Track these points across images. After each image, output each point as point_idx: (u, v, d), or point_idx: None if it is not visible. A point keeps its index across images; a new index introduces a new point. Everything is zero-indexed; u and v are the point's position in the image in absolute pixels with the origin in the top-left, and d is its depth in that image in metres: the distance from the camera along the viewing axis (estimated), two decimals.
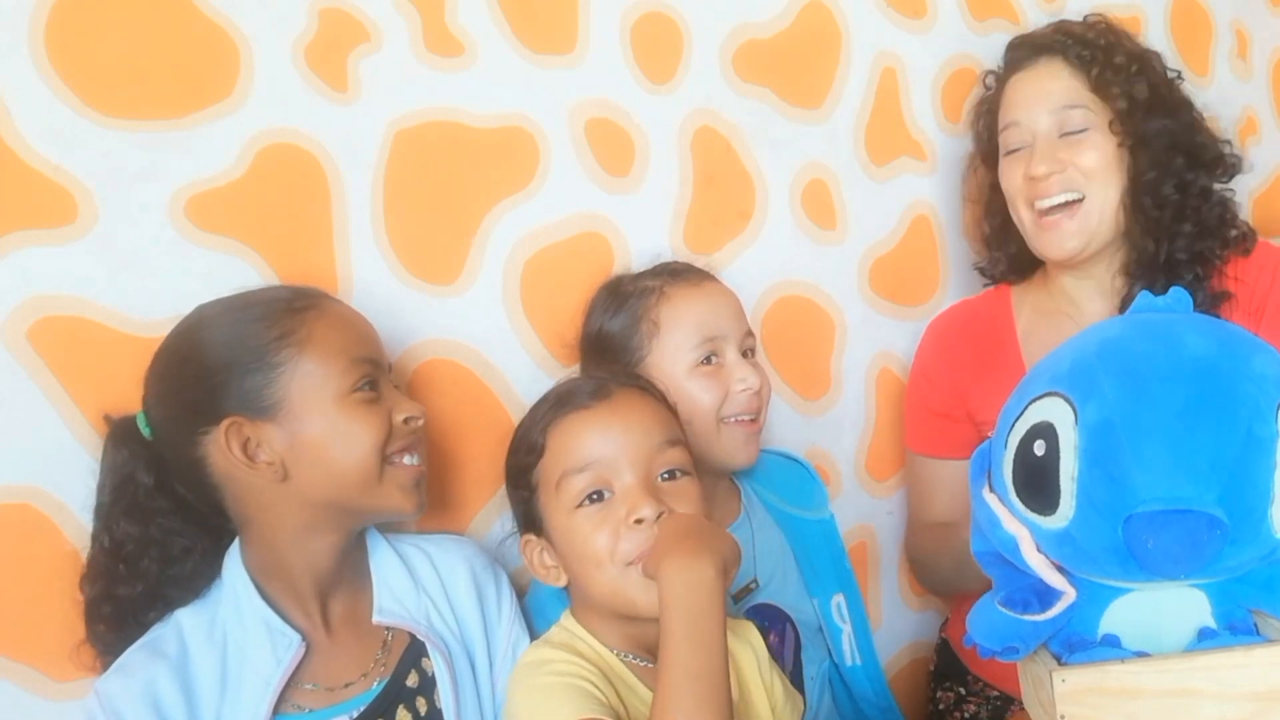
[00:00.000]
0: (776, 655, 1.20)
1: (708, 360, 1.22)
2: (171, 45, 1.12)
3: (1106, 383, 0.77)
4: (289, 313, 1.03)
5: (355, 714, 1.03)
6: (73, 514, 1.08)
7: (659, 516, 0.94)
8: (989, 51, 1.50)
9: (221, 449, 0.99)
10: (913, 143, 1.64)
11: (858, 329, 1.60)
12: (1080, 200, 1.32)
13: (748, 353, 1.26)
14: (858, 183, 1.59)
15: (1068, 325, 1.38)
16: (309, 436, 1.00)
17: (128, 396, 1.10)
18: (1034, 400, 0.81)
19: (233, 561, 1.05)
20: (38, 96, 1.06)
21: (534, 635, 1.14)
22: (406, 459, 1.06)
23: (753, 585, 1.23)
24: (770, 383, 1.28)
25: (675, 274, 1.28)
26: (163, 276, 1.12)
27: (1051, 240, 1.35)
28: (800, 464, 1.41)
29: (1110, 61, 1.34)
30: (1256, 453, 0.74)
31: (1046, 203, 1.34)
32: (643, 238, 1.40)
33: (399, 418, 1.05)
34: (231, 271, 1.15)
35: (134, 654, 1.00)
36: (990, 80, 1.49)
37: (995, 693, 1.42)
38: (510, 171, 1.32)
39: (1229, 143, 1.42)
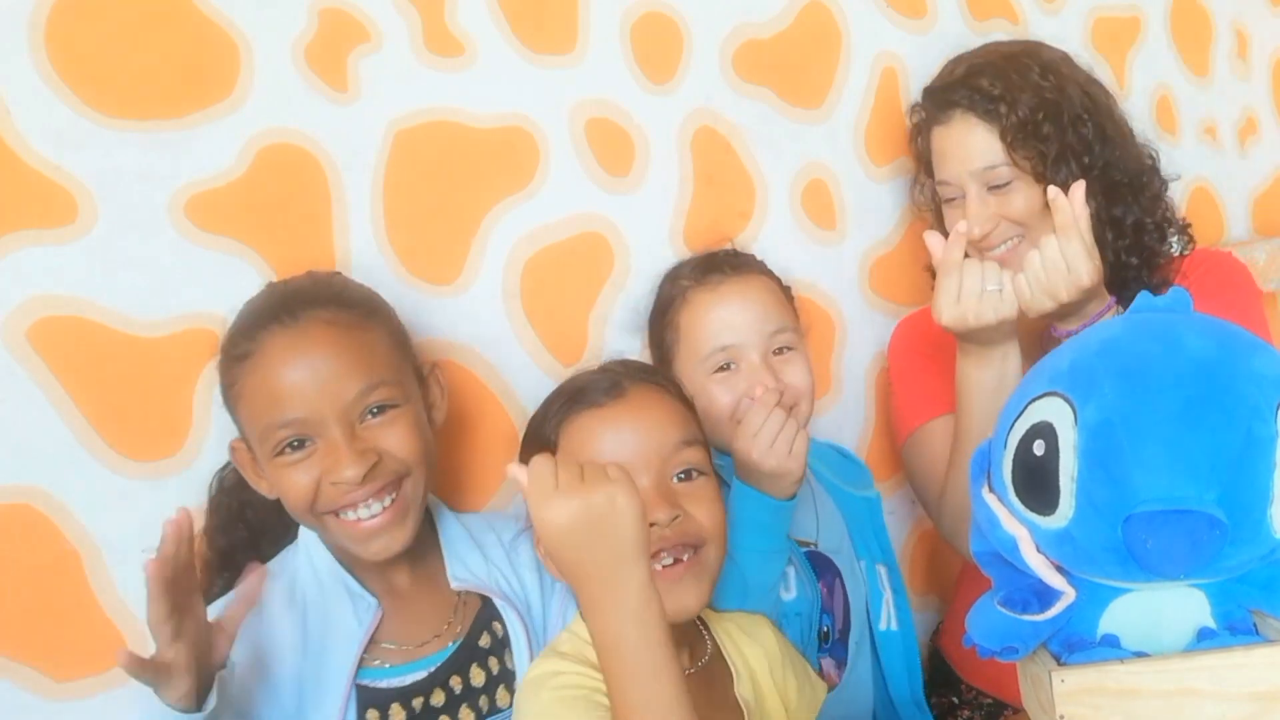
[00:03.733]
0: (826, 606, 1.22)
1: (725, 367, 1.22)
2: (171, 45, 1.13)
3: (1106, 382, 0.77)
4: (231, 360, 1.03)
5: (432, 669, 1.06)
6: (73, 514, 1.08)
7: (674, 520, 0.93)
8: None
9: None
10: None
11: (857, 329, 1.60)
12: (1020, 241, 1.34)
13: (782, 350, 1.24)
14: (858, 183, 1.59)
15: (1035, 332, 1.37)
16: (268, 477, 1.04)
17: (128, 396, 1.10)
18: (1033, 400, 0.81)
19: (308, 531, 1.08)
20: (38, 96, 1.06)
21: None
22: (350, 514, 1.01)
23: (813, 545, 1.26)
24: (805, 378, 1.25)
25: (703, 273, 1.27)
26: (163, 276, 1.12)
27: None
28: (842, 451, 1.45)
29: (1015, 116, 1.33)
30: (1256, 453, 0.74)
31: (993, 253, 1.35)
32: (643, 238, 1.40)
33: (328, 479, 1.00)
34: (231, 271, 1.15)
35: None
36: (918, 117, 1.47)
37: (989, 700, 1.42)
38: (510, 171, 1.32)
39: (1152, 156, 1.42)
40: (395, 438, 1.02)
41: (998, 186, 1.34)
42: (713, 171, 1.47)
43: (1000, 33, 1.62)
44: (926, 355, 1.43)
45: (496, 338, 1.31)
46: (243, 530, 1.12)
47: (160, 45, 1.12)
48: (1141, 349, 0.78)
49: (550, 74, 1.35)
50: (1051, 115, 1.33)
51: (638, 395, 0.99)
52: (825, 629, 1.23)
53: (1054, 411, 0.78)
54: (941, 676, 1.50)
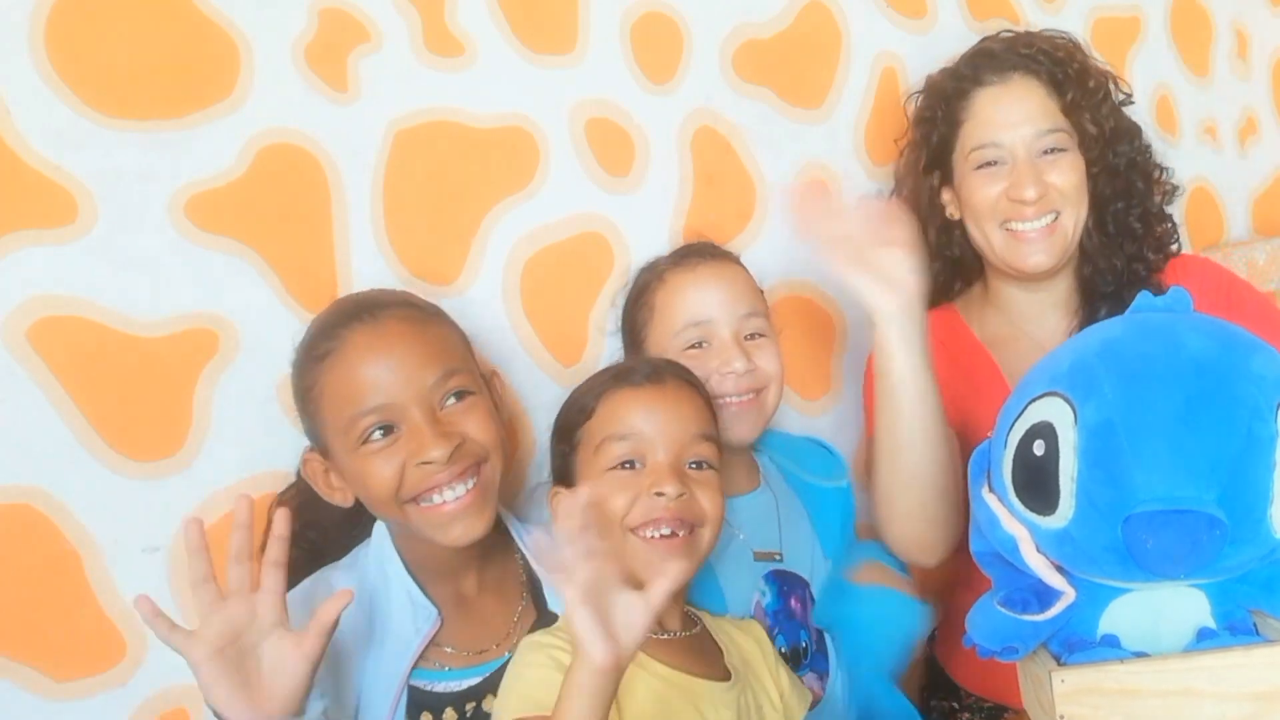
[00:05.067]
0: (800, 620, 1.23)
1: (698, 345, 1.23)
2: (171, 45, 1.13)
3: (1106, 382, 0.77)
4: (311, 361, 1.06)
5: (486, 675, 1.08)
6: (73, 514, 1.08)
7: (679, 495, 1.01)
8: None
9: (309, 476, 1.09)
10: None
11: (858, 329, 1.60)
12: (1055, 220, 1.32)
13: (754, 336, 1.25)
14: (858, 183, 1.59)
15: (1026, 344, 1.36)
16: (347, 478, 1.06)
17: (128, 396, 1.10)
18: (1033, 400, 0.81)
19: (380, 533, 1.11)
20: (38, 96, 1.06)
21: None
22: (436, 498, 1.04)
23: (777, 556, 1.25)
24: (775, 364, 1.26)
25: (680, 257, 1.30)
26: (163, 276, 1.12)
27: (1025, 253, 1.33)
28: (818, 443, 1.44)
29: (1084, 86, 1.35)
30: (1256, 453, 0.74)
31: (1023, 225, 1.32)
32: (643, 238, 1.40)
33: (414, 462, 1.02)
34: (231, 271, 1.15)
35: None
36: (947, 86, 1.42)
37: (989, 704, 1.41)
38: (510, 171, 1.32)
39: (1170, 169, 1.46)
40: (474, 422, 1.06)
41: (1050, 152, 1.33)
42: (713, 171, 1.47)
43: (1001, 33, 1.62)
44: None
45: (496, 338, 1.31)
46: (303, 548, 1.11)
47: (160, 45, 1.12)
48: (1142, 349, 0.78)
49: (550, 74, 1.35)
50: (1107, 95, 1.37)
51: (673, 385, 1.08)
52: (804, 645, 1.22)
53: (1054, 412, 0.79)
54: (940, 682, 1.50)
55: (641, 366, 1.11)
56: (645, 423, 1.04)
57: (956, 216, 1.42)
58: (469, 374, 1.09)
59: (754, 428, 1.25)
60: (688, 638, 1.05)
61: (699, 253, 1.30)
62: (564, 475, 1.09)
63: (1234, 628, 0.81)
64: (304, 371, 1.07)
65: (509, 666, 0.99)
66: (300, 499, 1.12)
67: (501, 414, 1.16)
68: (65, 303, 1.08)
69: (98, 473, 1.09)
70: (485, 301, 1.31)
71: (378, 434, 1.03)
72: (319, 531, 1.13)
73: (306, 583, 1.07)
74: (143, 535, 1.11)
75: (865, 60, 1.60)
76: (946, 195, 1.43)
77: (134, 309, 1.10)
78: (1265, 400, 0.75)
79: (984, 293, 1.46)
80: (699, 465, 1.05)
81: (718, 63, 1.48)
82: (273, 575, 0.93)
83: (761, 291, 1.31)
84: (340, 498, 1.08)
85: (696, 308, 1.24)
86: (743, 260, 1.48)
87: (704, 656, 1.04)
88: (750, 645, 1.10)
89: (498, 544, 1.15)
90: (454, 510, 1.04)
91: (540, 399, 1.31)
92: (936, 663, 1.51)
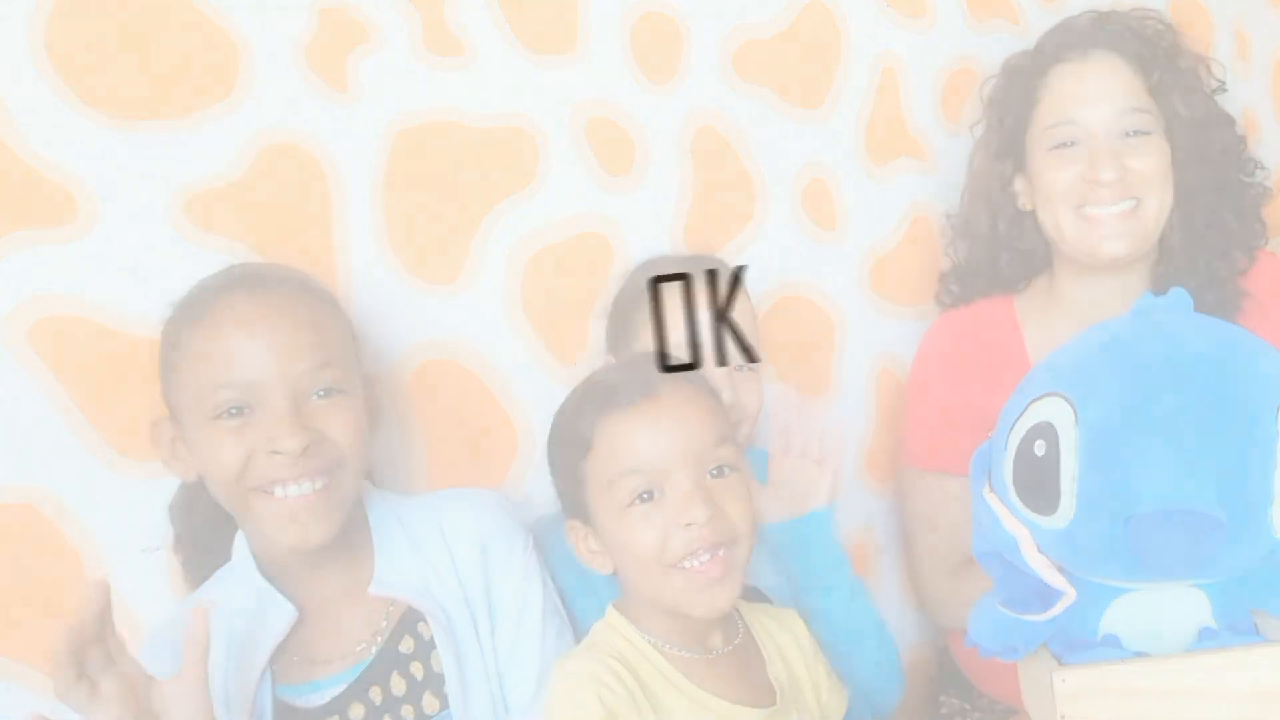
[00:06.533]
0: None
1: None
2: (171, 45, 1.13)
3: (1107, 383, 0.77)
4: (183, 319, 1.01)
5: (352, 681, 1.02)
6: (74, 515, 1.08)
7: (710, 519, 0.94)
8: (989, 51, 1.50)
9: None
10: (913, 143, 1.64)
11: (858, 329, 1.60)
12: (1136, 206, 1.26)
13: (743, 368, 1.21)
14: (858, 183, 1.59)
15: None
16: (193, 452, 1.00)
17: (128, 397, 1.10)
18: (1034, 400, 0.81)
19: (241, 535, 1.05)
20: (38, 96, 1.06)
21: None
22: (279, 491, 0.97)
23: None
24: (758, 401, 1.22)
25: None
26: (163, 276, 1.12)
27: (1100, 239, 1.26)
28: None
29: (1174, 66, 1.28)
30: (1257, 453, 0.74)
31: (1100, 210, 1.26)
32: (643, 238, 1.40)
33: (265, 449, 0.95)
34: None
35: (161, 632, 1.02)
36: (1024, 64, 1.37)
37: (1001, 706, 1.40)
38: (510, 171, 1.32)
39: (1267, 169, 1.39)
40: (338, 424, 0.99)
41: (1132, 135, 1.25)
42: (713, 171, 1.47)
43: (1001, 33, 1.62)
44: (952, 387, 1.35)
45: (496, 338, 1.31)
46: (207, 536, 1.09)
47: (160, 45, 1.12)
48: (1143, 349, 0.78)
49: (550, 74, 1.35)
50: (1199, 78, 1.29)
51: (672, 393, 0.99)
52: None
53: (1055, 412, 0.79)
54: (950, 677, 1.49)
55: (630, 380, 1.00)
56: (653, 448, 0.95)
57: (1029, 208, 1.36)
58: (346, 372, 1.02)
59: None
60: (731, 652, 1.01)
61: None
62: (578, 511, 1.02)
63: (1235, 628, 0.81)
64: (173, 328, 1.01)
65: (551, 697, 0.95)
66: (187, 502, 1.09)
67: (373, 422, 1.09)
68: (65, 303, 1.08)
69: (98, 473, 1.09)
70: (485, 301, 1.31)
71: (232, 413, 0.96)
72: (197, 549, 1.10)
73: (188, 599, 1.05)
74: (143, 535, 1.11)
75: (865, 60, 1.60)
76: (1019, 184, 1.36)
77: (134, 309, 1.10)
78: (1266, 400, 0.75)
79: (1049, 287, 1.40)
80: (719, 472, 0.97)
81: (718, 63, 1.48)
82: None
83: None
84: (182, 470, 1.01)
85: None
86: (742, 261, 1.49)
87: (748, 672, 1.01)
88: (789, 643, 1.06)
89: (364, 539, 1.06)
90: (296, 508, 0.97)
91: (540, 399, 1.31)
92: (951, 657, 1.50)
